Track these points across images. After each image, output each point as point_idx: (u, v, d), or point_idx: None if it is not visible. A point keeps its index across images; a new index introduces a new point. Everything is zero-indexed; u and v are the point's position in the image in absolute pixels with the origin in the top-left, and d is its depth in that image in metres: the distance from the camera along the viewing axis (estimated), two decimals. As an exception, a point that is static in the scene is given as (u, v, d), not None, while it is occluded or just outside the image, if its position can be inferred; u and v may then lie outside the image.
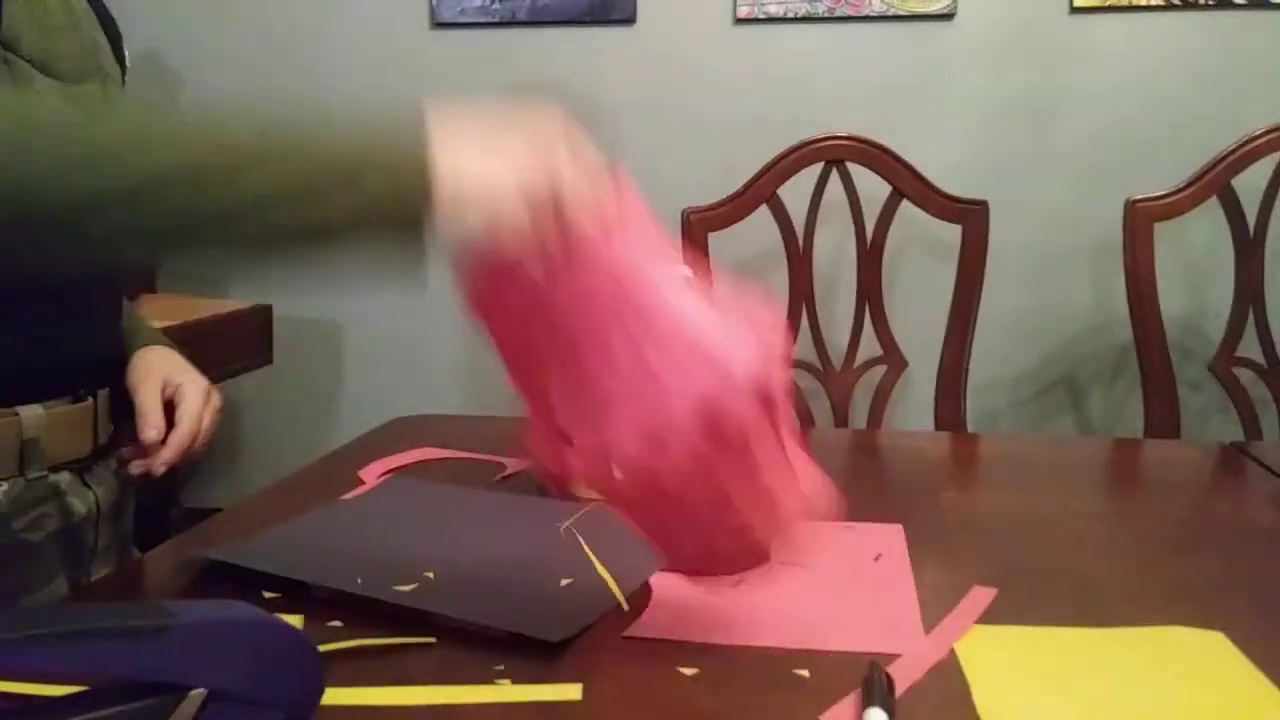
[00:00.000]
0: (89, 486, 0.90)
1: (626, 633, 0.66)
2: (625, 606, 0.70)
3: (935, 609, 0.69)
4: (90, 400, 0.89)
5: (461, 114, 0.66)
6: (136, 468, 0.88)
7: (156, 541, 0.90)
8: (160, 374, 0.92)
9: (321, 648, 0.63)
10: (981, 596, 0.71)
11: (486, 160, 0.63)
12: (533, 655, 0.63)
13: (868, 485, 1.00)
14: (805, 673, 0.61)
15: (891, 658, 0.62)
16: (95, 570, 0.92)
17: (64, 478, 0.87)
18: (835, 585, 0.74)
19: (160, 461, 0.88)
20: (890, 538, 0.83)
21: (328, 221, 0.61)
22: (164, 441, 0.88)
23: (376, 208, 0.61)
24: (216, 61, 2.41)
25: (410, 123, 0.64)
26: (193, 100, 2.44)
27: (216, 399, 0.95)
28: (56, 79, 0.80)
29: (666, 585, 0.73)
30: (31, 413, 0.83)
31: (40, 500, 0.84)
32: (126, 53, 1.01)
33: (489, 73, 2.32)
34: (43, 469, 0.84)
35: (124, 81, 1.00)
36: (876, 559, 0.79)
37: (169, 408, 0.90)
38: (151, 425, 0.88)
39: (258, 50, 2.40)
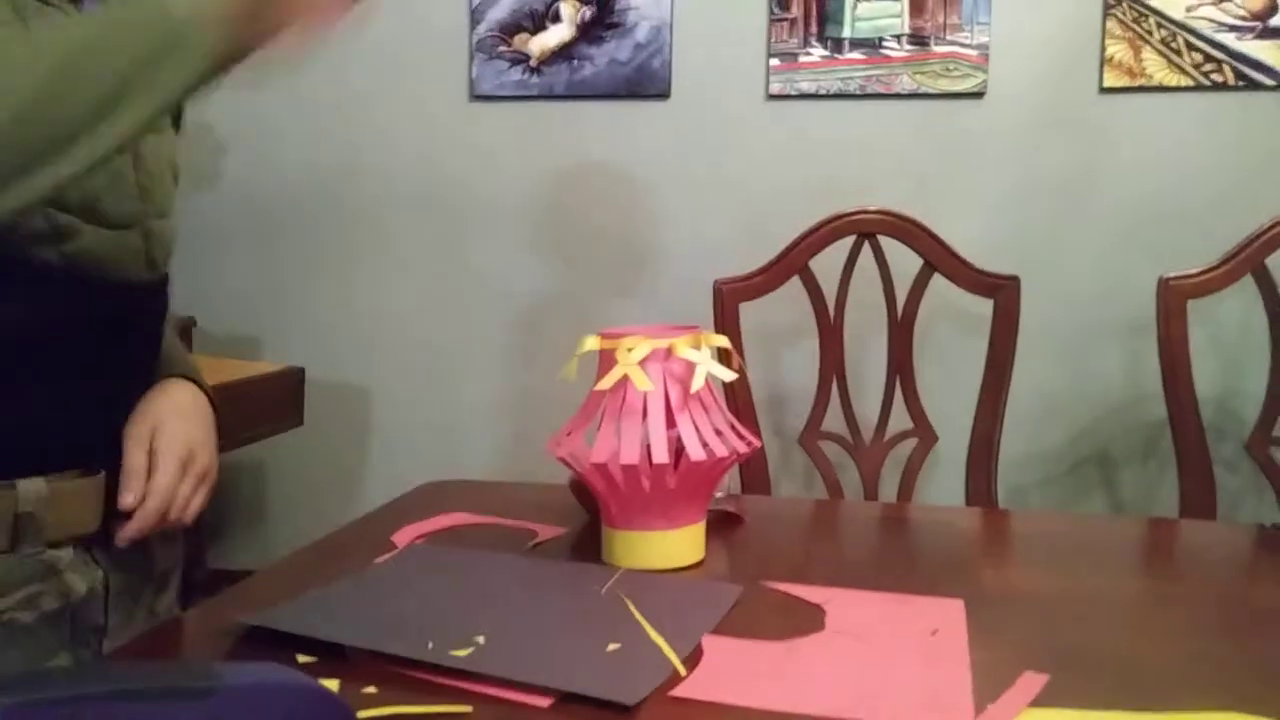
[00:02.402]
0: (97, 564, 0.86)
1: (674, 692, 0.66)
2: (683, 672, 0.69)
3: (985, 688, 0.68)
4: (102, 474, 0.84)
5: None
6: (118, 537, 0.84)
7: (182, 604, 0.89)
8: (151, 425, 0.87)
9: (360, 714, 0.63)
10: (1032, 682, 0.69)
11: None
12: (570, 726, 0.62)
13: (905, 559, 0.99)
14: (846, 751, 0.60)
15: (934, 738, 0.61)
16: (106, 647, 0.87)
17: (65, 554, 0.82)
18: (888, 657, 0.73)
19: (122, 536, 0.84)
20: (949, 613, 0.83)
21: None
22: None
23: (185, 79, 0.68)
24: (261, 130, 2.47)
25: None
26: (237, 169, 2.50)
27: (202, 462, 0.89)
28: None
29: (716, 647, 0.73)
30: (31, 486, 0.79)
31: (33, 578, 0.80)
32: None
33: (527, 145, 2.37)
34: (39, 545, 0.80)
35: (179, 125, 0.99)
36: (934, 634, 0.78)
37: (151, 463, 0.85)
38: (129, 490, 0.84)
39: (302, 120, 2.46)
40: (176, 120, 0.99)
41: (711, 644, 0.74)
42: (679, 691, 0.66)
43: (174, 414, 0.89)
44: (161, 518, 0.85)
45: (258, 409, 2.01)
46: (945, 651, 0.74)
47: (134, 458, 0.85)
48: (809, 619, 0.81)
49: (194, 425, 0.90)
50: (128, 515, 0.84)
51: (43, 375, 0.80)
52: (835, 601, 0.85)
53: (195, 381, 0.95)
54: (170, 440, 0.86)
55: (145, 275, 0.88)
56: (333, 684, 0.68)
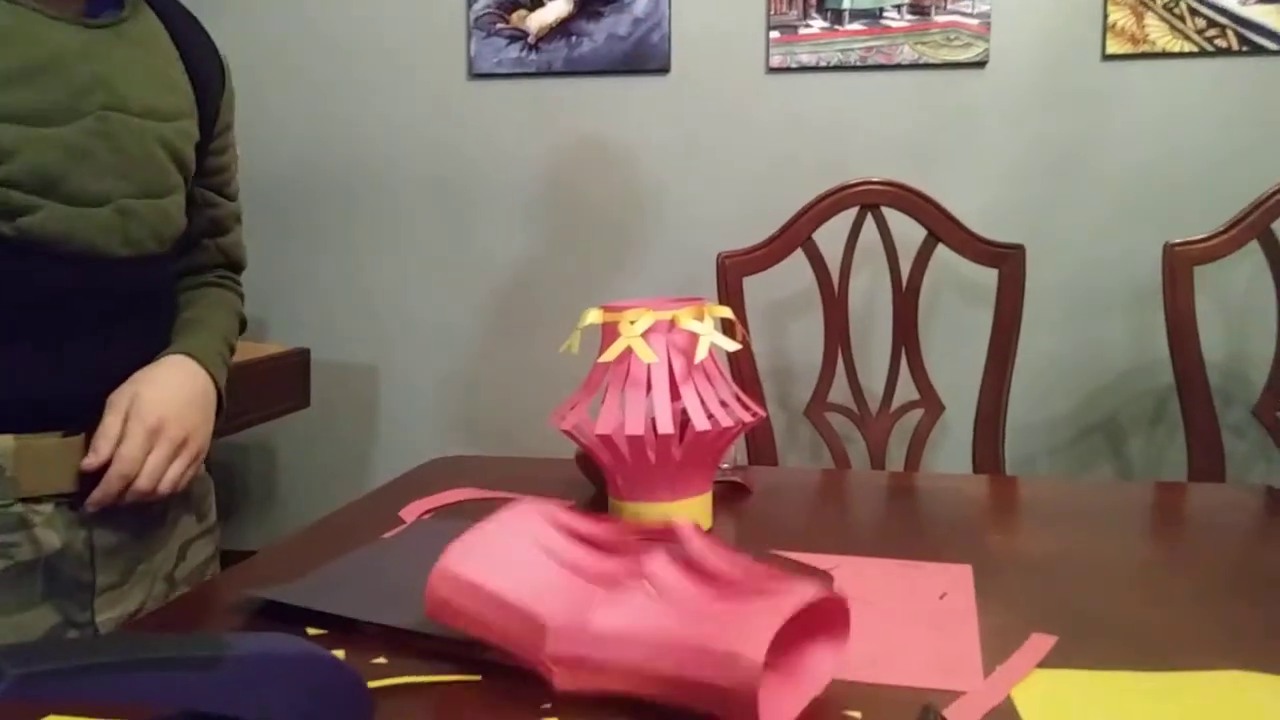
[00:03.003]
0: (82, 523, 0.89)
1: None
2: None
3: (993, 651, 0.68)
4: (81, 436, 0.88)
5: None
6: (88, 502, 0.88)
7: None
8: (130, 394, 0.89)
9: (370, 684, 0.63)
10: (1041, 643, 0.70)
11: None
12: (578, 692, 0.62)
13: (912, 526, 0.99)
14: (857, 714, 0.60)
15: (948, 697, 0.61)
16: (100, 610, 0.91)
17: (43, 510, 0.86)
18: (897, 621, 0.74)
19: (89, 501, 0.87)
20: (957, 577, 0.83)
21: None
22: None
23: None
24: (262, 111, 2.46)
25: None
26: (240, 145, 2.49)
27: (174, 432, 0.90)
28: (16, 123, 0.81)
29: None
30: (3, 443, 0.83)
31: (3, 529, 0.84)
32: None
33: (525, 122, 2.36)
34: (9, 498, 0.84)
35: (204, 111, 1.01)
36: (941, 598, 0.78)
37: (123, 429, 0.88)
38: (93, 453, 0.87)
39: (301, 100, 2.46)
40: (210, 121, 1.02)
41: None
42: None
43: (153, 384, 0.91)
44: (125, 484, 0.88)
45: (264, 390, 2.02)
46: (954, 615, 0.75)
47: (107, 422, 0.88)
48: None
49: (173, 396, 0.91)
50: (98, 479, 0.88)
51: (3, 338, 0.84)
52: (844, 568, 0.86)
53: (198, 359, 0.96)
54: (141, 409, 0.89)
55: (122, 251, 0.90)
56: (342, 655, 0.68)
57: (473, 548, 0.66)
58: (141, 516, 0.94)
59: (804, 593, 0.58)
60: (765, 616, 0.56)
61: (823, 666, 0.63)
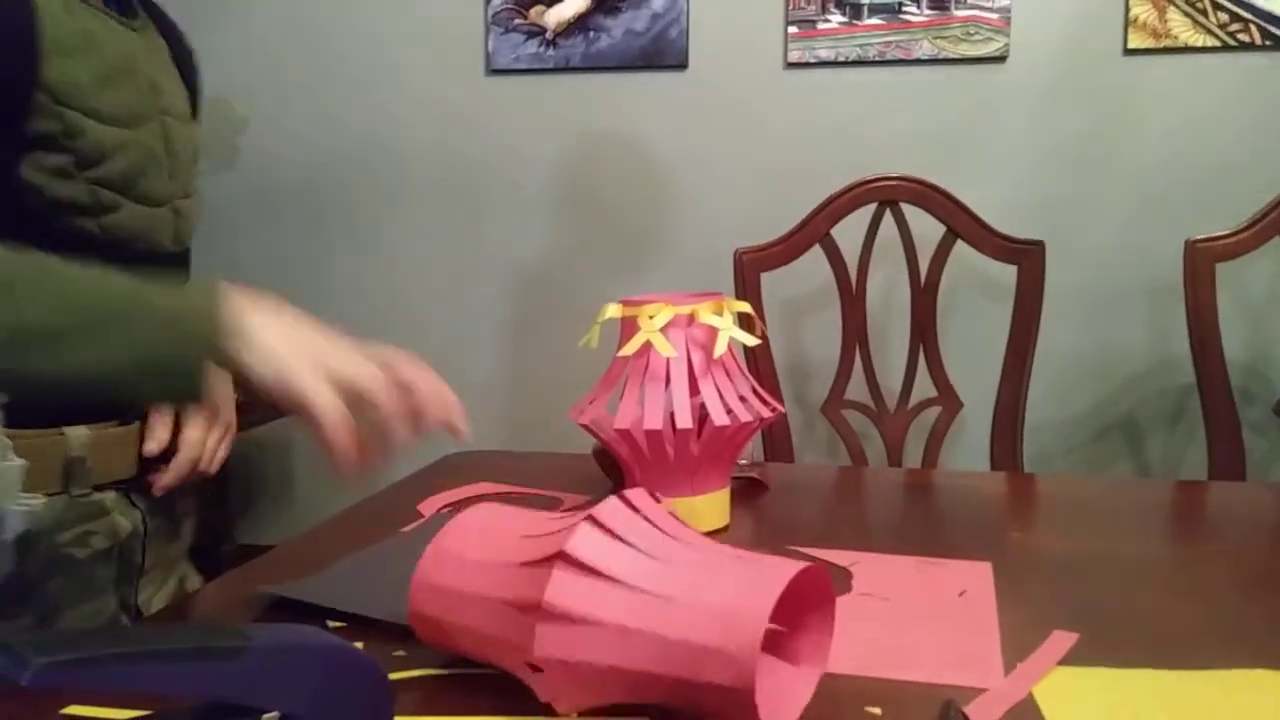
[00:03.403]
0: (135, 505, 0.93)
1: None
2: None
3: (1014, 649, 0.68)
4: (137, 423, 0.92)
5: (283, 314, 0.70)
6: (152, 487, 0.92)
7: (212, 579, 0.92)
8: None
9: (390, 676, 0.63)
10: (1062, 640, 0.69)
11: (289, 338, 0.67)
12: (598, 687, 0.62)
13: (930, 523, 0.99)
14: (878, 710, 0.60)
15: (969, 694, 0.61)
16: (142, 590, 0.95)
17: (109, 496, 0.90)
18: (916, 617, 0.74)
19: (159, 485, 0.92)
20: (977, 575, 0.83)
21: (89, 361, 0.61)
22: (166, 462, 0.92)
23: (146, 350, 0.62)
24: (279, 106, 2.47)
25: (214, 291, 0.66)
26: (256, 145, 2.50)
27: (227, 415, 0.97)
28: (113, 125, 0.84)
29: None
30: (77, 433, 0.86)
31: (86, 517, 0.87)
32: (201, 85, 1.06)
33: (543, 118, 2.36)
34: (87, 487, 0.87)
35: (196, 114, 1.04)
36: (961, 595, 0.78)
37: (178, 417, 0.93)
38: (153, 439, 0.91)
39: (318, 95, 2.46)
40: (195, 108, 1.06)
41: None
42: None
43: None
44: (193, 468, 0.93)
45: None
46: (974, 612, 0.74)
47: (158, 412, 0.92)
48: (836, 581, 0.81)
49: (219, 384, 0.94)
50: (160, 463, 0.92)
51: None
52: (862, 564, 0.85)
53: None
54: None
55: (171, 248, 0.95)
56: (362, 647, 0.68)
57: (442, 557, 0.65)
58: (171, 498, 0.98)
59: (784, 568, 0.56)
60: (757, 594, 0.54)
61: (815, 659, 0.62)
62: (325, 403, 0.64)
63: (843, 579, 0.82)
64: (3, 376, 0.60)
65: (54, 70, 0.79)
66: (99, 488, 0.89)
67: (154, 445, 0.91)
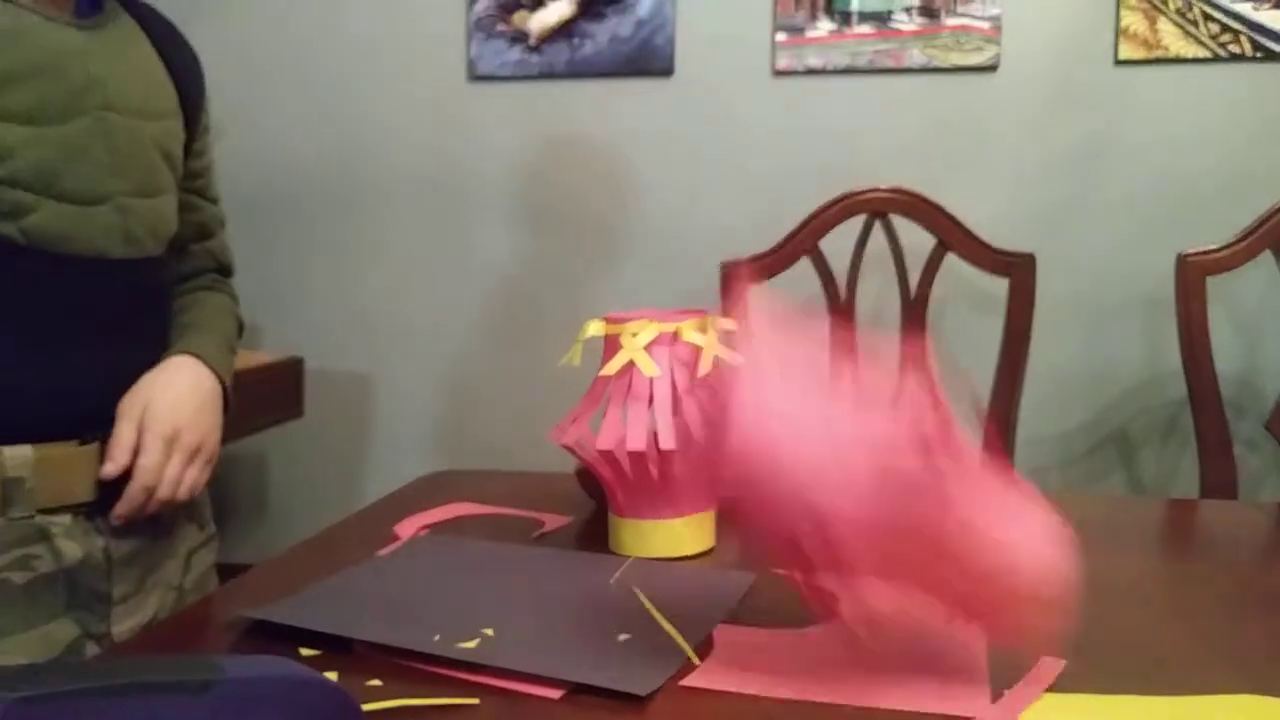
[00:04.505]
0: (99, 532, 0.89)
1: (688, 683, 0.65)
2: (697, 661, 0.68)
3: (1000, 673, 0.66)
4: (96, 444, 0.88)
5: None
6: (113, 515, 0.88)
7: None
8: (142, 402, 0.90)
9: (365, 707, 0.61)
10: (1050, 668, 0.67)
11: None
12: (581, 715, 0.60)
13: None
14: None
15: (956, 734, 0.59)
16: (117, 620, 0.91)
17: (61, 520, 0.86)
18: (904, 643, 0.72)
19: (114, 514, 0.88)
20: None
21: None
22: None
23: None
24: (258, 114, 2.44)
25: None
26: (234, 154, 2.48)
27: (189, 439, 0.91)
28: (15, 122, 0.81)
29: (729, 636, 0.72)
30: (17, 452, 0.83)
31: (25, 541, 0.83)
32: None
33: (526, 125, 2.34)
34: (29, 509, 0.83)
35: (190, 113, 1.02)
36: (948, 619, 0.76)
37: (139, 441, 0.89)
38: (111, 461, 0.87)
39: (299, 103, 2.43)
40: (194, 123, 1.03)
41: (724, 633, 0.73)
42: (693, 682, 0.65)
43: (164, 390, 0.91)
44: (148, 495, 0.89)
45: (257, 400, 1.99)
46: (961, 638, 0.73)
47: (120, 431, 0.88)
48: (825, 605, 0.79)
49: (184, 402, 0.92)
50: (120, 488, 0.88)
51: (20, 345, 0.83)
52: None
53: (203, 359, 0.97)
54: (156, 419, 0.89)
55: (124, 251, 0.91)
56: (335, 677, 0.66)
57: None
58: (153, 526, 0.94)
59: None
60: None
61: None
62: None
63: (829, 604, 0.80)
64: None
65: None
66: (48, 511, 0.85)
67: (111, 468, 0.87)
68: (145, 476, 0.88)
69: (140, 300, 0.94)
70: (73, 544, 0.87)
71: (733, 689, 0.64)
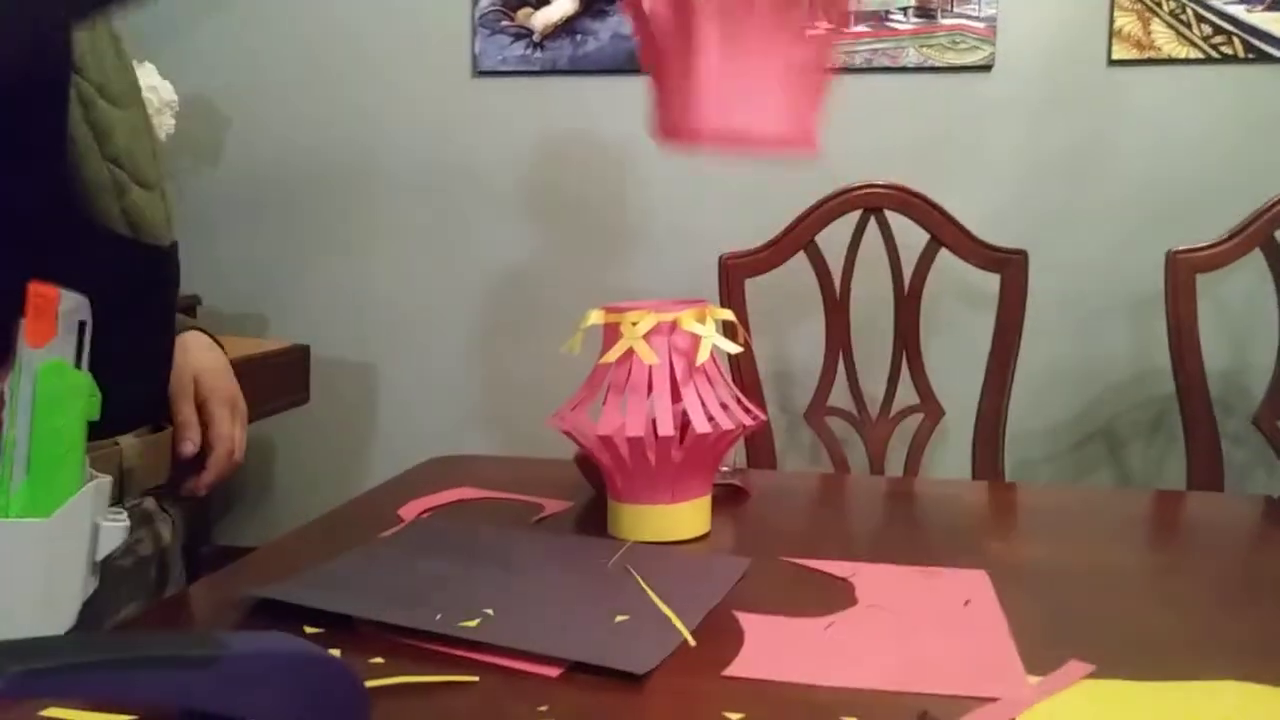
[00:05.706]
0: (166, 512, 0.92)
1: (728, 672, 0.65)
2: (692, 642, 0.69)
3: (1006, 658, 0.68)
4: (169, 428, 0.90)
5: None
6: (186, 489, 0.91)
7: (190, 580, 0.91)
8: (190, 378, 0.93)
9: (368, 684, 0.63)
10: (1077, 669, 0.68)
11: None
12: (579, 694, 0.62)
13: (916, 531, 0.99)
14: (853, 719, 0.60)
15: (973, 705, 0.61)
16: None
17: (150, 504, 0.89)
18: (928, 628, 0.73)
19: (202, 485, 0.91)
20: (976, 583, 0.82)
21: None
22: (203, 462, 0.90)
23: None
24: (264, 106, 2.46)
25: None
26: (240, 145, 2.49)
27: (242, 404, 0.96)
28: (111, 104, 0.82)
29: (754, 625, 0.73)
30: (129, 443, 0.84)
31: (134, 527, 0.85)
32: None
33: (529, 121, 2.36)
34: (136, 497, 0.86)
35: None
36: (966, 604, 0.78)
37: (202, 413, 0.92)
38: (188, 439, 0.90)
39: (305, 96, 2.45)
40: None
41: (748, 622, 0.73)
42: (735, 671, 0.65)
43: (202, 363, 0.95)
44: (230, 460, 0.93)
45: (264, 386, 2.01)
46: (982, 621, 0.74)
47: (185, 410, 0.91)
48: (839, 593, 0.81)
49: (222, 370, 0.96)
50: (188, 466, 0.90)
51: (147, 330, 0.85)
52: (861, 575, 0.85)
53: (206, 332, 1.00)
54: (213, 390, 0.93)
55: (168, 237, 0.91)
56: (339, 654, 0.68)
57: None
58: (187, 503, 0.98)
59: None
60: None
61: None
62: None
63: (846, 591, 0.81)
64: None
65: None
66: (140, 496, 0.88)
67: (190, 446, 0.90)
68: (226, 443, 0.92)
69: (158, 289, 0.95)
70: (165, 526, 0.90)
71: (768, 676, 0.64)
